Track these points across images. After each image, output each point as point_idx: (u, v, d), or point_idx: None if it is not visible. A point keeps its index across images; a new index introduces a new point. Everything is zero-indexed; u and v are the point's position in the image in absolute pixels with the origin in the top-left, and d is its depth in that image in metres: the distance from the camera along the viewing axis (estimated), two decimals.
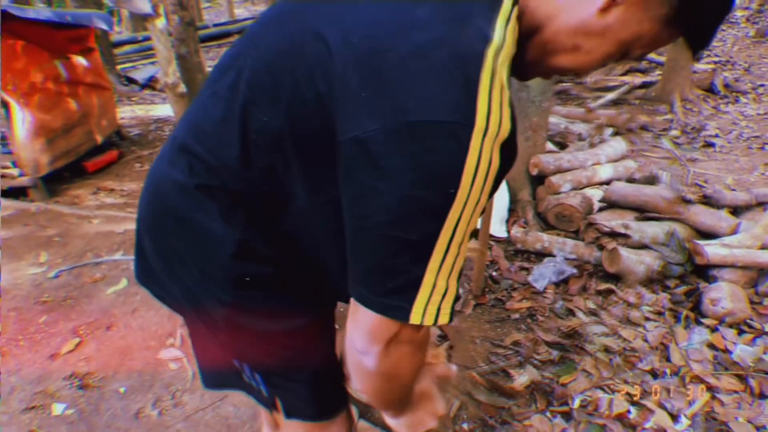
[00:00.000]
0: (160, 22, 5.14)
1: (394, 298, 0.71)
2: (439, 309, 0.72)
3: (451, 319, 0.74)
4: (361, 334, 0.76)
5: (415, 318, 0.71)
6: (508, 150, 0.70)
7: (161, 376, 2.30)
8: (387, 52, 0.66)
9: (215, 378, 1.11)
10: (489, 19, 0.67)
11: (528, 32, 0.77)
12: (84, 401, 2.16)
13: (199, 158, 0.85)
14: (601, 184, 3.52)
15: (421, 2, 0.68)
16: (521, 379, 2.16)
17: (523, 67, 0.82)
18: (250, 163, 0.80)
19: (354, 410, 1.88)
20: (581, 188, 3.45)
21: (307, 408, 1.03)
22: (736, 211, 3.22)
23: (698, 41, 0.77)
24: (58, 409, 2.12)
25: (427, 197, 0.65)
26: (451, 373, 1.09)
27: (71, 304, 2.83)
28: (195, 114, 0.90)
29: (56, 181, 4.25)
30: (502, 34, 0.67)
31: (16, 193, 4.11)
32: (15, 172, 3.99)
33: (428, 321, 0.71)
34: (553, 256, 3.04)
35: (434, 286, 0.70)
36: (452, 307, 0.74)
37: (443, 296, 0.71)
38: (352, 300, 0.76)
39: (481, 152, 0.64)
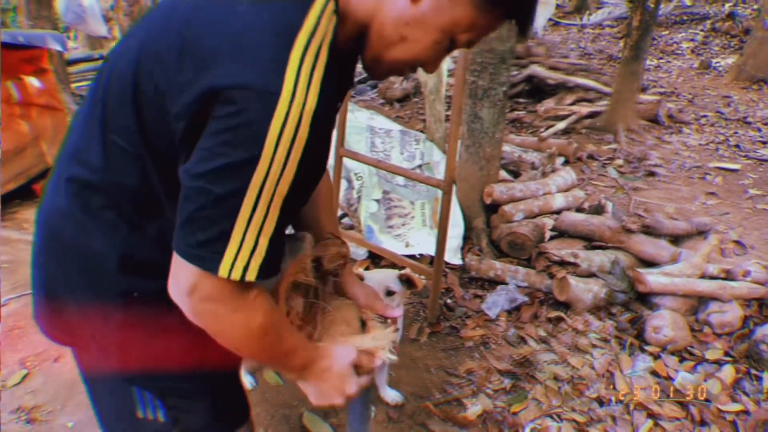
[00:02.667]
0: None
1: (205, 249, 0.77)
2: (247, 265, 0.77)
3: (259, 277, 0.79)
4: (175, 286, 0.81)
5: (223, 271, 0.76)
6: (320, 127, 0.77)
7: None
8: (207, 37, 0.76)
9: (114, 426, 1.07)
10: (304, 11, 0.77)
11: (359, 31, 0.86)
12: None
13: (79, 178, 0.89)
14: (553, 213, 3.64)
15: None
16: (474, 408, 2.22)
17: (370, 66, 0.92)
18: (120, 169, 0.86)
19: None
20: (533, 217, 3.56)
21: (209, 428, 1.04)
22: (677, 239, 3.38)
23: (520, 20, 0.85)
24: None
25: (233, 155, 0.73)
26: (372, 366, 1.06)
27: (19, 334, 2.75)
28: (70, 138, 0.95)
29: (5, 205, 4.13)
30: (315, 22, 0.76)
31: None
32: None
33: (235, 275, 0.77)
34: (506, 283, 3.13)
35: (242, 241, 0.76)
36: (262, 265, 0.79)
37: (251, 252, 0.77)
38: (173, 254, 0.80)
39: (287, 119, 0.72)
